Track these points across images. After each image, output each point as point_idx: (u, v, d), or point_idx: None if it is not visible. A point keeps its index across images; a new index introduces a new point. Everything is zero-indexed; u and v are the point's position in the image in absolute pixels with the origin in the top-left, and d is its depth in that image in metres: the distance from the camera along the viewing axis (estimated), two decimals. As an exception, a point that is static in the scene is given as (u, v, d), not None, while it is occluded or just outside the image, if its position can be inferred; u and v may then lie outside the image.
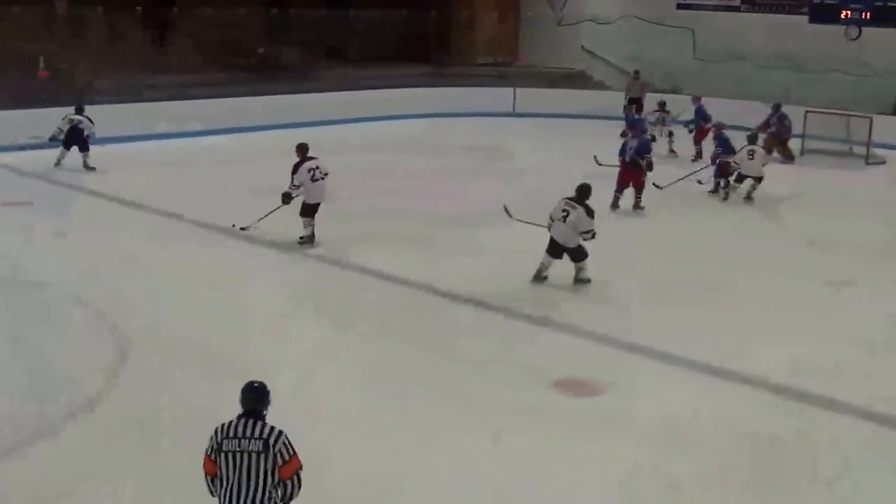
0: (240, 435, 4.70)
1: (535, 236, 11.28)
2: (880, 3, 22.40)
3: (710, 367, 8.89)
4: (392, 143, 19.71)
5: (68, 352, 8.90)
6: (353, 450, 6.99)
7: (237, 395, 4.88)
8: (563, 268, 11.15)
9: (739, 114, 19.59)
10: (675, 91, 22.94)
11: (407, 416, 7.68)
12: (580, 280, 11.16)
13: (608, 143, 16.87)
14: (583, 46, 26.86)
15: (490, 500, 6.58)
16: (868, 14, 22.49)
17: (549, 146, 19.21)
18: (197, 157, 18.06)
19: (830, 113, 20.21)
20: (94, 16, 20.96)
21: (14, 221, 13.21)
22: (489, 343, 9.46)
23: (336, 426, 7.41)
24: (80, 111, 16.71)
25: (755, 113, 19.92)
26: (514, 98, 24.56)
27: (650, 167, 14.92)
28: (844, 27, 22.87)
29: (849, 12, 22.67)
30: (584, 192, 11.14)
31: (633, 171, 14.90)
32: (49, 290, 10.51)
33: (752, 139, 16.67)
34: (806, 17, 23.29)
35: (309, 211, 12.41)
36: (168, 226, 13.39)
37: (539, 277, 11.18)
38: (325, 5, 25.99)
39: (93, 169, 16.59)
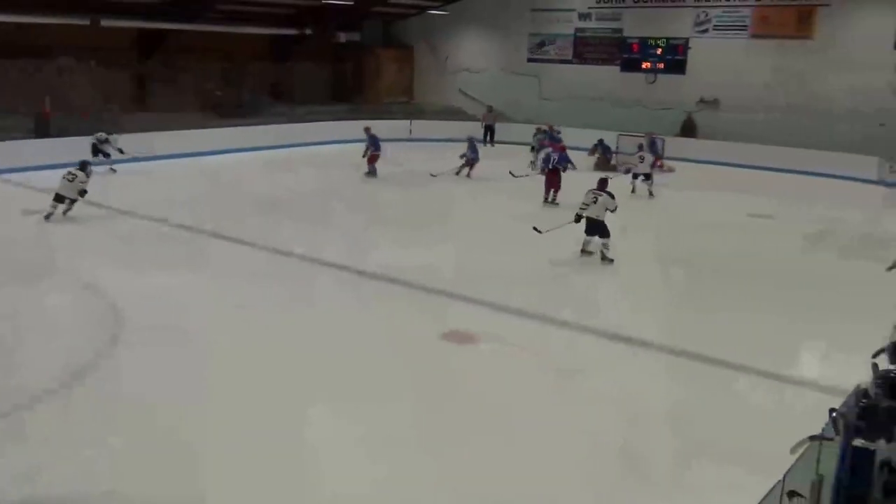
0: None
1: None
2: (670, 58, 23.11)
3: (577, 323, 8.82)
4: (323, 161, 19.77)
5: (73, 320, 8.66)
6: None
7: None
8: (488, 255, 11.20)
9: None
10: (527, 122, 23.32)
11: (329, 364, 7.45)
12: (606, 259, 11.13)
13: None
14: (460, 89, 27.07)
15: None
16: (661, 65, 23.31)
17: (436, 157, 19.41)
18: (168, 174, 17.71)
19: (636, 135, 20.62)
20: (88, 67, 20.38)
21: (33, 224, 12.90)
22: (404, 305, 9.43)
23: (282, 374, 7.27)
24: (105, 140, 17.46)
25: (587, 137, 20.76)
26: (411, 127, 24.63)
27: (565, 170, 15.57)
28: (644, 74, 23.59)
29: (648, 64, 23.50)
30: (604, 183, 11.59)
31: (556, 176, 15.31)
32: (59, 275, 10.23)
33: (640, 147, 17.75)
34: (618, 67, 24.01)
35: (56, 198, 12.85)
36: (148, 225, 13.10)
37: (585, 251, 11.36)
38: (269, 59, 25.83)
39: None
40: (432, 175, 17.48)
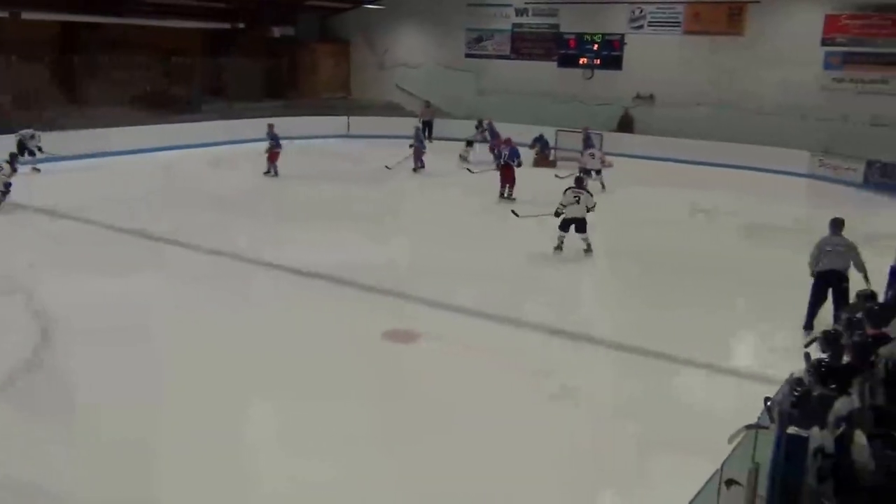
0: None
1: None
2: (606, 53, 23.40)
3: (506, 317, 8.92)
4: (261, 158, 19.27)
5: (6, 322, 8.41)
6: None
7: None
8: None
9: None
10: (465, 118, 23.40)
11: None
12: (588, 250, 11.74)
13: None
14: (397, 85, 26.94)
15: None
16: (598, 61, 23.56)
17: (375, 156, 19.36)
18: (100, 173, 17.16)
19: (574, 131, 20.97)
20: (8, 62, 19.60)
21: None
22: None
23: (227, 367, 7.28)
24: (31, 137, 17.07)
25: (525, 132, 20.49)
26: (348, 124, 24.51)
27: (519, 165, 15.85)
28: (582, 70, 23.84)
29: (584, 60, 23.75)
30: (581, 181, 12.23)
31: (509, 170, 15.59)
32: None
33: (589, 146, 18.26)
34: (555, 63, 24.20)
35: None
36: (75, 226, 12.72)
37: (559, 248, 11.74)
38: (204, 54, 25.27)
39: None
40: (387, 168, 17.80)
